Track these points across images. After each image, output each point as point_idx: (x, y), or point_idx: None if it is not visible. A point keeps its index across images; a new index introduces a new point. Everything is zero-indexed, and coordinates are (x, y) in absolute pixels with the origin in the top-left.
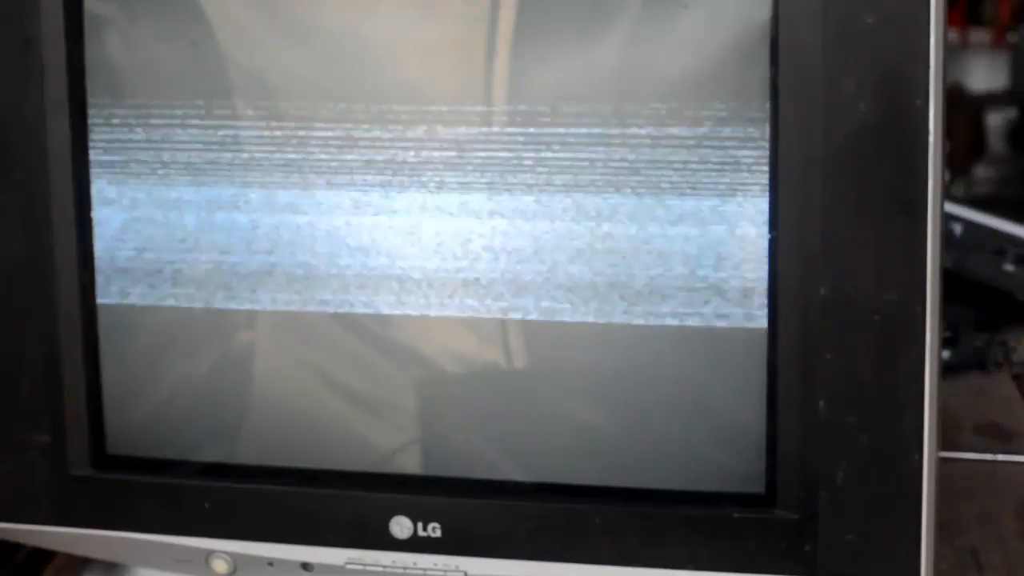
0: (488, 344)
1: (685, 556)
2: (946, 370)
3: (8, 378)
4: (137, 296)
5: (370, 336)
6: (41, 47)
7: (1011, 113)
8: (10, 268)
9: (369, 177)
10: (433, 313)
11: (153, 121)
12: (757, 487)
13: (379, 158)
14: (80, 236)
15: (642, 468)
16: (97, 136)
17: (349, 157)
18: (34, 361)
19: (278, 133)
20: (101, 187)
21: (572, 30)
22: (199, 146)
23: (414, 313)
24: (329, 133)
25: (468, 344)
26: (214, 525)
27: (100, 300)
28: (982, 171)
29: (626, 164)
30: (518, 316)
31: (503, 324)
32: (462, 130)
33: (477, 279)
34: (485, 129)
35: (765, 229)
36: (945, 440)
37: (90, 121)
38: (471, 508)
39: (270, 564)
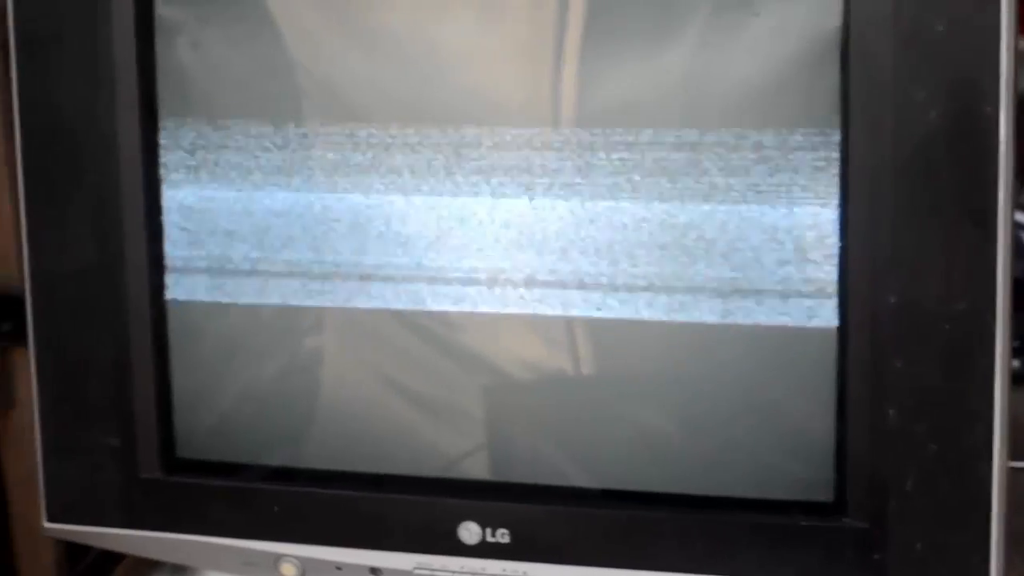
0: (555, 349)
1: (753, 564)
2: (1016, 379)
3: (79, 381)
4: (206, 299)
5: (438, 341)
6: (113, 52)
7: None
8: (81, 271)
9: (438, 181)
10: (504, 311)
11: (222, 124)
12: (826, 495)
13: (447, 162)
14: (150, 239)
15: (710, 474)
16: (167, 139)
17: (418, 160)
18: (104, 364)
19: (347, 136)
20: (171, 190)
21: (641, 36)
22: (268, 149)
23: (483, 312)
24: (398, 137)
25: (535, 349)
26: (283, 529)
27: (169, 303)
28: None
29: (695, 169)
30: (586, 317)
31: (570, 329)
32: (531, 134)
33: (545, 281)
34: (554, 134)
35: (835, 236)
36: (1015, 449)
37: (160, 124)
38: (539, 514)
39: (338, 568)
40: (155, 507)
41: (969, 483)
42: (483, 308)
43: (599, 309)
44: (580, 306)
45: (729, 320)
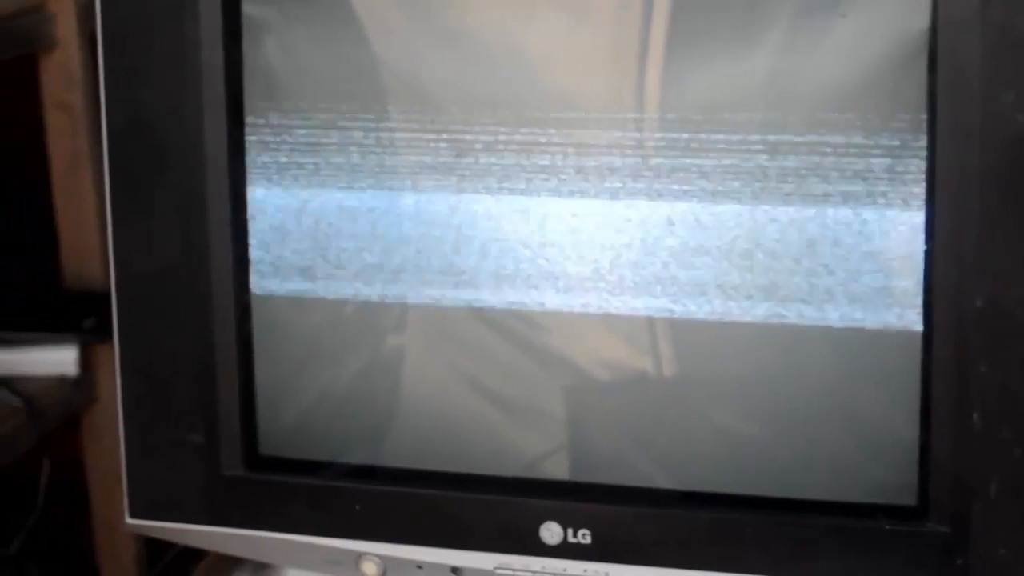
0: (637, 349)
1: (834, 568)
2: None
3: (162, 378)
4: (290, 297)
5: (519, 341)
6: (200, 49)
7: None
8: (165, 268)
9: (521, 181)
10: (587, 310)
11: (308, 123)
12: (909, 499)
13: (531, 162)
14: (235, 236)
15: (792, 477)
16: (254, 138)
17: (501, 160)
18: (188, 361)
19: (431, 136)
20: (256, 187)
21: (726, 38)
22: (353, 147)
23: (564, 312)
24: (482, 136)
25: (617, 350)
26: (364, 527)
27: (254, 301)
28: None
29: (781, 171)
30: (669, 319)
31: (652, 329)
32: (614, 135)
33: (627, 281)
34: (638, 134)
35: (921, 239)
36: None
37: (246, 122)
38: (621, 515)
39: (419, 567)
40: (237, 504)
41: None
42: (565, 308)
43: (681, 310)
44: (662, 307)
45: (813, 322)
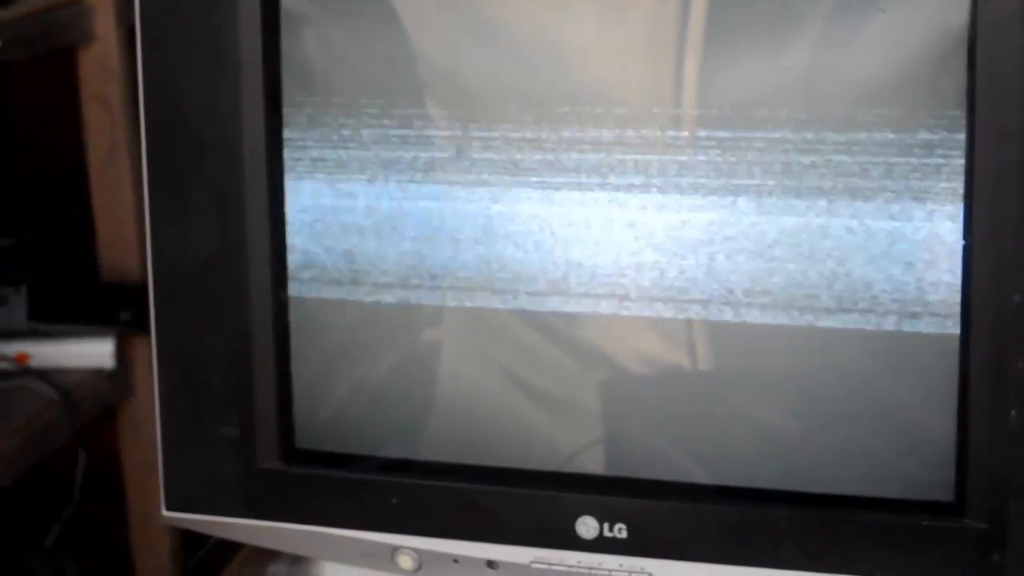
0: (673, 346)
1: (871, 563)
2: None
3: (200, 372)
4: (328, 291)
5: (555, 336)
6: (239, 45)
7: None
8: (203, 263)
9: (558, 177)
10: (621, 312)
11: (346, 118)
12: (946, 495)
13: (569, 158)
14: (273, 231)
15: (828, 473)
16: (292, 133)
17: (540, 157)
18: (225, 355)
19: (470, 132)
20: (294, 182)
21: (763, 33)
22: (392, 144)
23: (601, 312)
24: (520, 133)
25: (653, 345)
26: (400, 521)
27: (291, 295)
28: None
29: (817, 168)
30: (706, 317)
31: (689, 326)
32: (653, 132)
33: (666, 279)
34: (675, 132)
35: (959, 235)
36: None
37: (285, 118)
38: (657, 510)
39: (455, 561)
40: (273, 497)
41: None
42: (602, 304)
43: (717, 307)
44: (699, 304)
45: (849, 319)
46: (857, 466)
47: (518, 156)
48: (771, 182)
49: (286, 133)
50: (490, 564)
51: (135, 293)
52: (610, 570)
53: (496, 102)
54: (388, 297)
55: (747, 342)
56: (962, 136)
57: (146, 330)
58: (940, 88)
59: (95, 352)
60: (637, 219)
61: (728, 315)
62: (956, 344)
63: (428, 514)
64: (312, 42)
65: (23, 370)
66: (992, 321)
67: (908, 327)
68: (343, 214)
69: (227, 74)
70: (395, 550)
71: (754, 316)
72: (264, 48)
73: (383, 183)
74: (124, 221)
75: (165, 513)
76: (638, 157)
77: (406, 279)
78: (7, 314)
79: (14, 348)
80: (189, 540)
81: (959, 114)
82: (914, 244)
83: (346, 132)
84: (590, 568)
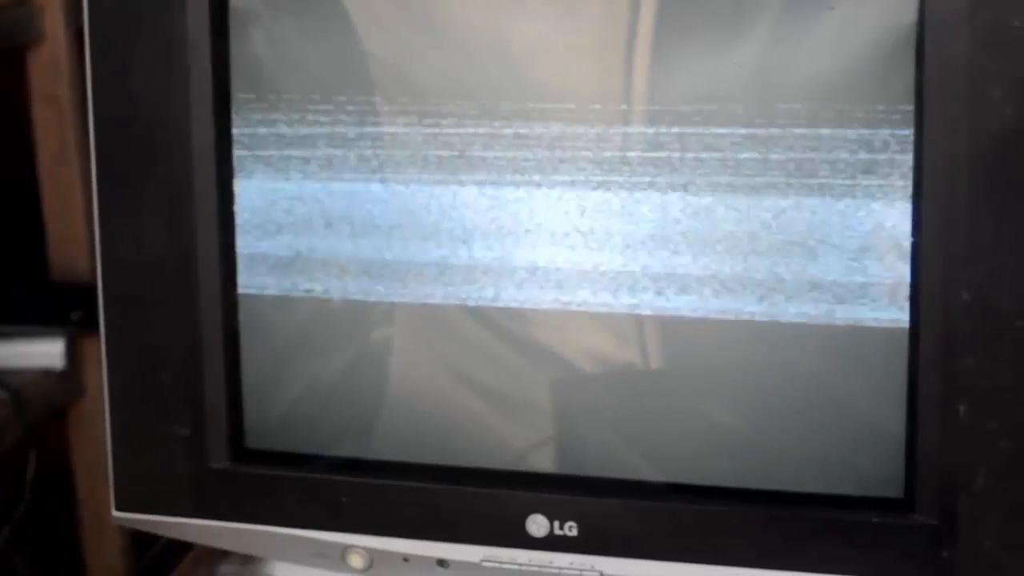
0: (624, 343)
1: (821, 560)
2: None
3: (149, 371)
4: (277, 289)
5: (507, 334)
6: (188, 44)
7: None
8: (152, 261)
9: (507, 173)
10: (571, 308)
11: (295, 116)
12: (896, 491)
13: (519, 155)
14: (222, 229)
15: (779, 470)
16: (241, 131)
17: (489, 153)
18: (175, 354)
19: (418, 129)
20: (244, 181)
21: (714, 30)
22: (340, 141)
23: (551, 308)
24: (469, 129)
25: (604, 343)
26: (351, 520)
27: (241, 293)
28: None
29: (767, 164)
30: (656, 312)
31: (640, 323)
32: (602, 129)
33: (614, 275)
34: (625, 128)
35: (908, 231)
36: None
37: (234, 116)
38: (608, 508)
39: (406, 560)
40: (224, 497)
41: None
42: (552, 302)
43: (667, 303)
44: (649, 301)
45: (799, 316)
46: (808, 463)
47: (469, 153)
48: (722, 178)
49: (235, 132)
50: (441, 563)
51: (86, 293)
52: (560, 568)
53: (446, 99)
54: (338, 295)
55: (699, 339)
56: (911, 132)
57: (97, 330)
58: (889, 85)
59: (45, 352)
60: (587, 215)
61: (678, 311)
62: (906, 341)
63: (379, 513)
64: (262, 40)
65: None
66: (942, 317)
67: (858, 322)
68: (293, 212)
69: (176, 73)
70: (346, 549)
71: (704, 312)
72: (213, 47)
73: (333, 181)
74: (74, 221)
75: (115, 513)
76: (588, 154)
77: (356, 277)
78: None
79: None
80: (141, 540)
81: (908, 110)
82: (864, 240)
83: (296, 130)
84: (540, 566)
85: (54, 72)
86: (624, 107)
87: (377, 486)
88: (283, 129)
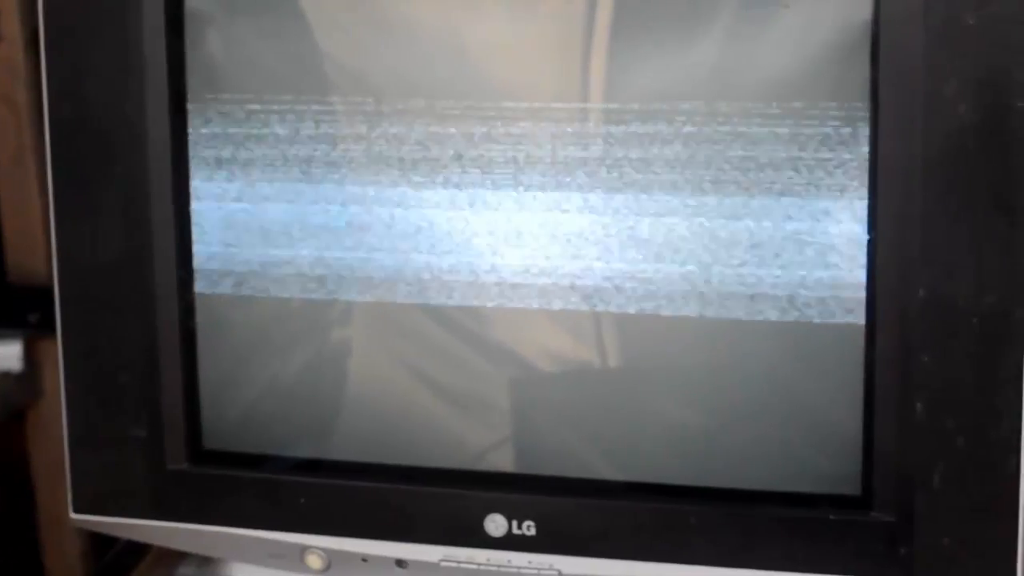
0: (582, 342)
1: (780, 557)
2: None
3: (106, 372)
4: (234, 291)
5: (465, 334)
6: (143, 44)
7: None
8: (109, 263)
9: (465, 174)
10: (529, 307)
11: (251, 117)
12: (853, 489)
13: (476, 155)
14: (178, 231)
15: (737, 468)
16: (197, 132)
17: (446, 153)
18: (132, 356)
19: (375, 130)
20: (199, 182)
21: (670, 29)
22: (299, 141)
23: (509, 307)
24: (426, 130)
25: (562, 342)
26: (309, 521)
27: (198, 295)
28: None
29: (724, 162)
30: (614, 311)
31: (598, 322)
32: (559, 128)
33: (572, 274)
34: (582, 127)
35: (864, 229)
36: None
37: (190, 117)
38: (566, 507)
39: (364, 560)
40: (182, 498)
41: (997, 477)
42: (510, 301)
43: (625, 302)
44: (607, 300)
45: (757, 314)
46: (766, 461)
47: (426, 153)
48: (679, 176)
49: (191, 133)
50: (399, 563)
51: (43, 295)
52: (519, 567)
53: (403, 99)
54: (296, 295)
55: (656, 338)
56: (867, 130)
57: (54, 332)
58: (845, 82)
59: (2, 354)
60: (543, 214)
61: (636, 310)
62: (862, 339)
63: (337, 514)
64: (217, 41)
65: None
66: (897, 316)
67: (815, 321)
68: (250, 212)
69: (132, 74)
70: (304, 550)
71: (662, 310)
72: (168, 47)
73: (290, 181)
74: (31, 222)
75: (73, 515)
76: (545, 153)
77: (314, 277)
78: None
79: None
80: (100, 542)
81: (864, 108)
82: (820, 238)
83: (253, 130)
84: (499, 566)
85: (10, 73)
86: (580, 106)
87: (335, 486)
88: (240, 129)
